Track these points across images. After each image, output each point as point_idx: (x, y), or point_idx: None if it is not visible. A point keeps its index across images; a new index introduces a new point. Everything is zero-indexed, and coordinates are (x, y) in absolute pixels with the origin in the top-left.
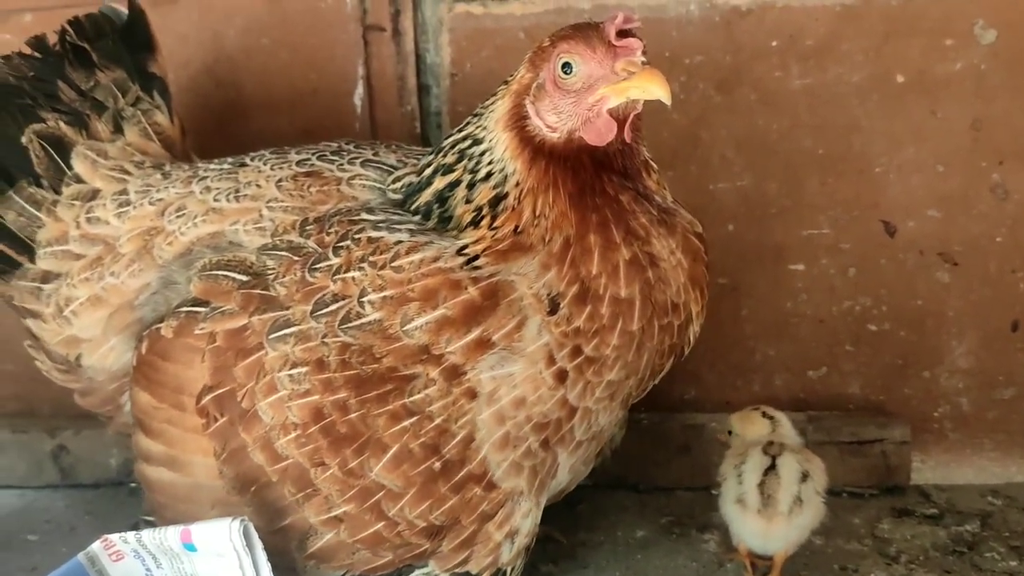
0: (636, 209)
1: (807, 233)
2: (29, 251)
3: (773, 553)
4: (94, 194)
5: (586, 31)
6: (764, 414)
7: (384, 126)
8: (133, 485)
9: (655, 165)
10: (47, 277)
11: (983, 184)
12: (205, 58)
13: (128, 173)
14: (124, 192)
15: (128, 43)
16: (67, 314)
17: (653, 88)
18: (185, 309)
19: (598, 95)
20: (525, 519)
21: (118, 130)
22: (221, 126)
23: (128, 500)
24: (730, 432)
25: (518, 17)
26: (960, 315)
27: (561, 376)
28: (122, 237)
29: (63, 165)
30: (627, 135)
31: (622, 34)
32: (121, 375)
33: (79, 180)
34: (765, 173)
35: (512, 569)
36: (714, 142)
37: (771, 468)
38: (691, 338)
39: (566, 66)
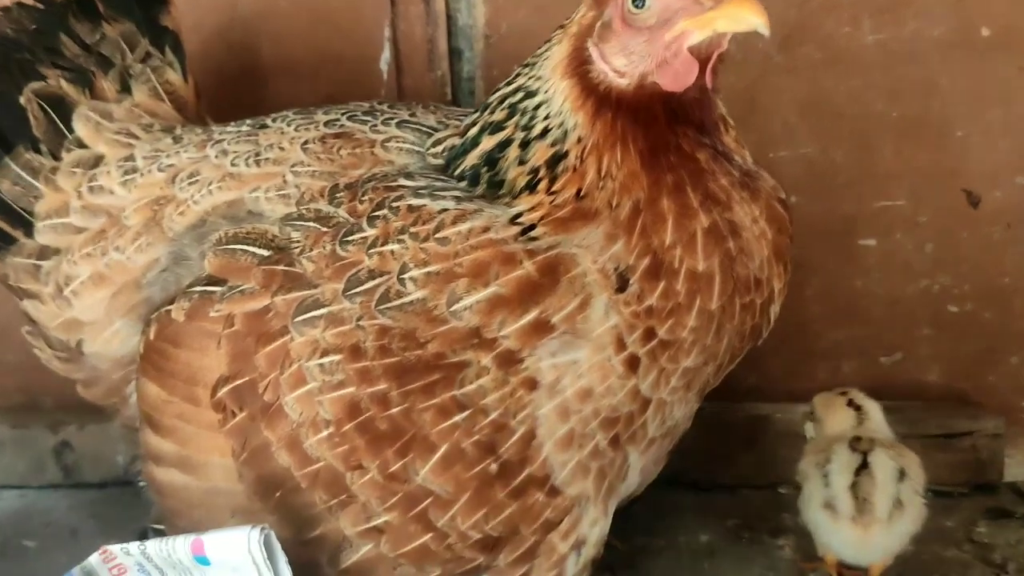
0: (716, 169)
1: (879, 205)
2: (26, 224)
3: (868, 564)
4: (97, 160)
5: None
6: (851, 403)
7: (413, 93)
8: (143, 484)
9: (732, 121)
10: (45, 253)
11: None
12: (218, 21)
13: (135, 137)
14: (131, 158)
15: None
16: (67, 294)
17: (748, 16)
18: (199, 289)
19: (677, 30)
20: (593, 527)
21: (125, 89)
22: (237, 94)
23: (136, 501)
24: (812, 414)
25: None
26: None
27: (633, 363)
28: (128, 208)
29: (63, 128)
30: (709, 79)
31: None
32: (127, 363)
33: (81, 145)
34: (832, 140)
35: None
36: (775, 106)
37: (863, 467)
38: (771, 319)
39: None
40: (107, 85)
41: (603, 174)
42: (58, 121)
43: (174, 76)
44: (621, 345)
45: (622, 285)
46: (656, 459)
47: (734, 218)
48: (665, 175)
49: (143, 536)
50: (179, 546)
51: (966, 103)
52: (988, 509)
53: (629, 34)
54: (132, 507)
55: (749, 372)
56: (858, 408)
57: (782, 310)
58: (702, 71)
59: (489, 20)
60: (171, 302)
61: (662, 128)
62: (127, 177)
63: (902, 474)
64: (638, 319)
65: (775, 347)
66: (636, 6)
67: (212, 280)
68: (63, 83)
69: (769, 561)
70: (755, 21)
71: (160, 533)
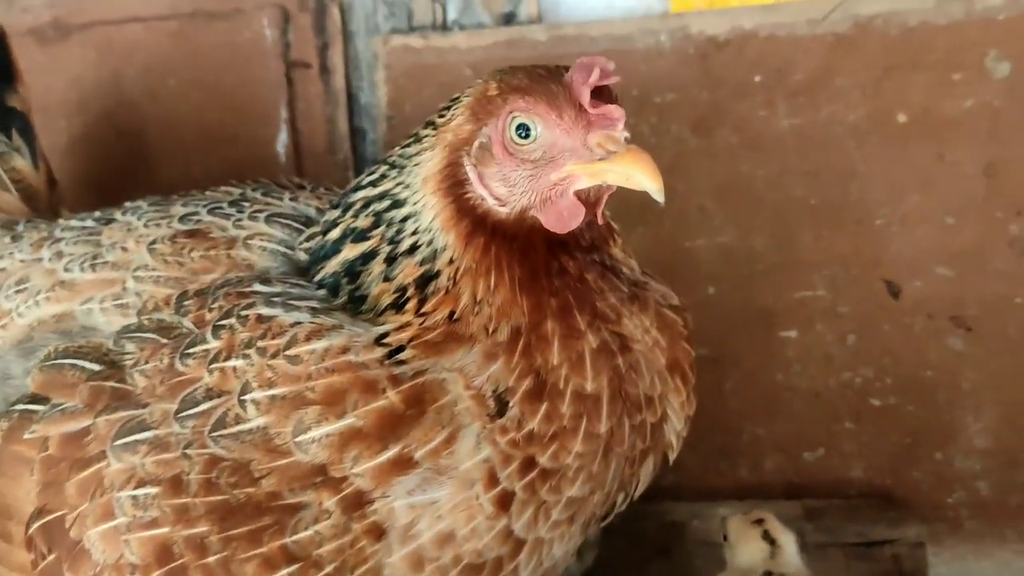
0: (604, 287)
1: (800, 295)
2: None
3: None
4: None
5: (548, 85)
6: (766, 535)
7: (313, 176)
8: None
9: (618, 228)
10: None
11: (1000, 237)
12: (104, 103)
13: None
14: None
15: None
16: None
17: (640, 178)
18: (19, 408)
19: (564, 172)
20: None
21: None
22: (125, 179)
23: None
24: (725, 537)
25: (463, 51)
26: (976, 387)
27: (505, 500)
28: None
29: None
30: (599, 218)
31: (596, 92)
32: None
33: None
34: (750, 227)
35: None
36: (691, 192)
37: None
38: (675, 439)
39: (521, 128)
40: None
41: (478, 299)
42: None
43: (22, 163)
44: (493, 481)
45: (500, 409)
46: None
47: (624, 331)
48: (547, 299)
49: None
50: None
51: (884, 190)
52: None
53: (511, 164)
54: None
55: (666, 471)
56: (772, 542)
57: (700, 405)
58: (590, 211)
59: (392, 99)
60: None
61: (542, 255)
62: None
63: None
64: (516, 448)
65: (692, 444)
66: (520, 136)
67: (35, 398)
68: None
69: None
70: (649, 185)
71: None
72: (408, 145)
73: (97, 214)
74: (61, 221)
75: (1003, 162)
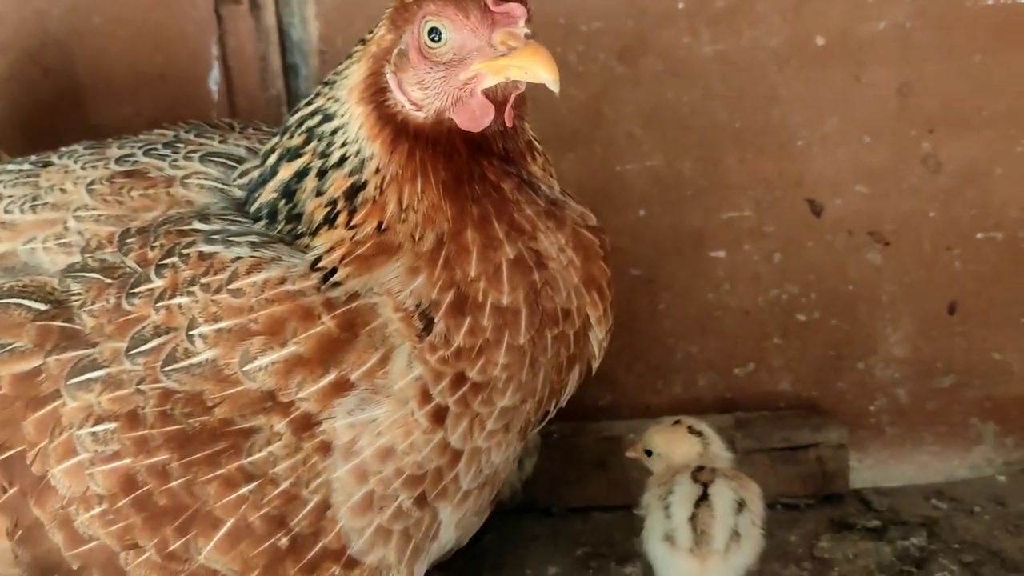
0: (520, 199)
1: (727, 216)
2: None
3: None
4: None
5: None
6: (691, 429)
7: (246, 114)
8: None
9: (540, 147)
10: None
11: (913, 155)
12: (28, 43)
13: None
14: None
15: None
16: None
17: (537, 69)
18: None
19: (472, 71)
20: None
21: None
22: (54, 120)
23: None
24: (649, 452)
25: None
26: (894, 299)
27: (439, 415)
28: None
29: None
30: (508, 119)
31: None
32: None
33: None
34: (678, 151)
35: None
36: (619, 118)
37: (703, 498)
38: (597, 347)
39: (433, 32)
40: None
41: (404, 206)
42: None
43: None
44: (426, 397)
45: (427, 325)
46: (476, 510)
47: (539, 248)
48: (470, 206)
49: None
50: None
51: (805, 112)
52: (831, 521)
53: (425, 67)
54: None
55: (603, 390)
56: (699, 434)
57: (634, 325)
58: (500, 111)
59: (323, 35)
60: None
61: (464, 159)
62: None
63: (741, 505)
64: (446, 364)
65: (628, 363)
66: (432, 39)
67: None
68: None
69: None
70: (545, 75)
71: None
72: (340, 66)
73: (33, 158)
74: None
75: (915, 81)
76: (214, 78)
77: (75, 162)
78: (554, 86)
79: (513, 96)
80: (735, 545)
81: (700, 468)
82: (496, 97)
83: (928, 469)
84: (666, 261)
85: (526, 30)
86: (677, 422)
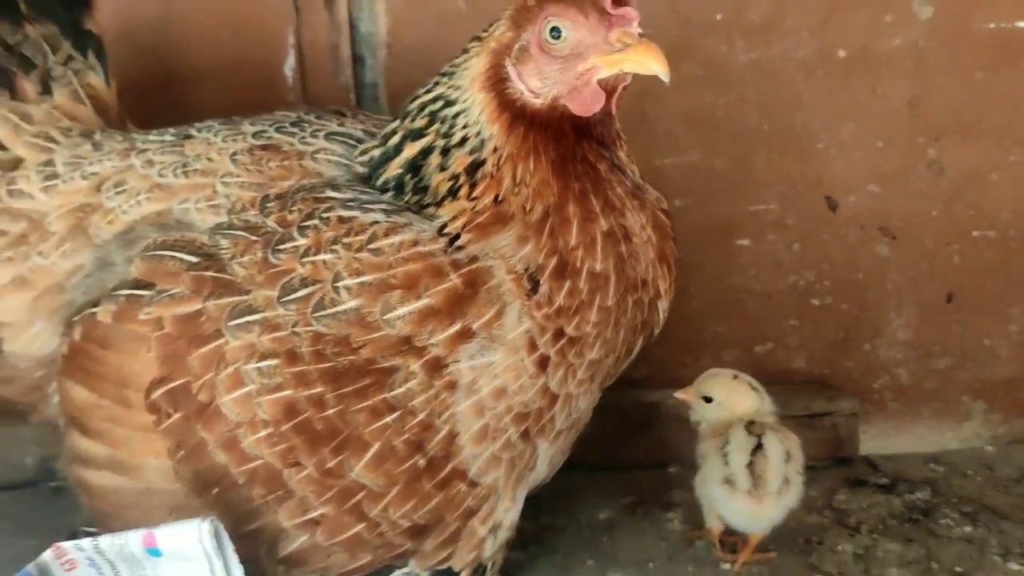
0: (613, 179)
1: (754, 209)
2: None
3: (755, 532)
4: (16, 163)
5: None
6: (751, 386)
7: (317, 98)
8: (53, 485)
9: (624, 136)
10: None
11: (920, 160)
12: (121, 24)
13: (54, 141)
14: (50, 163)
15: None
16: None
17: (651, 63)
18: (125, 292)
19: (589, 64)
20: (507, 513)
21: (46, 91)
22: (142, 97)
23: (51, 502)
24: (708, 399)
25: None
26: (899, 288)
27: (543, 363)
28: (51, 214)
29: None
30: (613, 106)
31: (617, 1)
32: (47, 362)
33: (0, 147)
34: (712, 149)
35: (493, 564)
36: (661, 117)
37: (758, 448)
38: (661, 315)
39: (554, 30)
40: (28, 86)
41: (518, 181)
42: None
43: (96, 80)
44: (533, 347)
45: (533, 286)
46: (563, 450)
47: (626, 224)
48: (572, 183)
49: (72, 537)
50: (131, 540)
51: (826, 118)
52: (846, 479)
53: (545, 60)
54: (45, 508)
55: (640, 363)
56: (756, 390)
57: (669, 305)
58: (608, 99)
59: (391, 30)
60: (94, 305)
61: (570, 142)
62: (48, 183)
63: (788, 456)
64: (549, 321)
65: (663, 339)
66: (553, 36)
67: (139, 284)
68: None
69: (661, 532)
70: (658, 68)
71: (91, 535)
72: (456, 58)
73: (172, 131)
74: (135, 135)
75: (924, 94)
76: (289, 65)
77: (215, 136)
78: (665, 77)
79: (620, 87)
80: (785, 488)
81: (752, 422)
82: (607, 87)
83: (924, 440)
84: (698, 247)
85: (639, 30)
86: (736, 376)
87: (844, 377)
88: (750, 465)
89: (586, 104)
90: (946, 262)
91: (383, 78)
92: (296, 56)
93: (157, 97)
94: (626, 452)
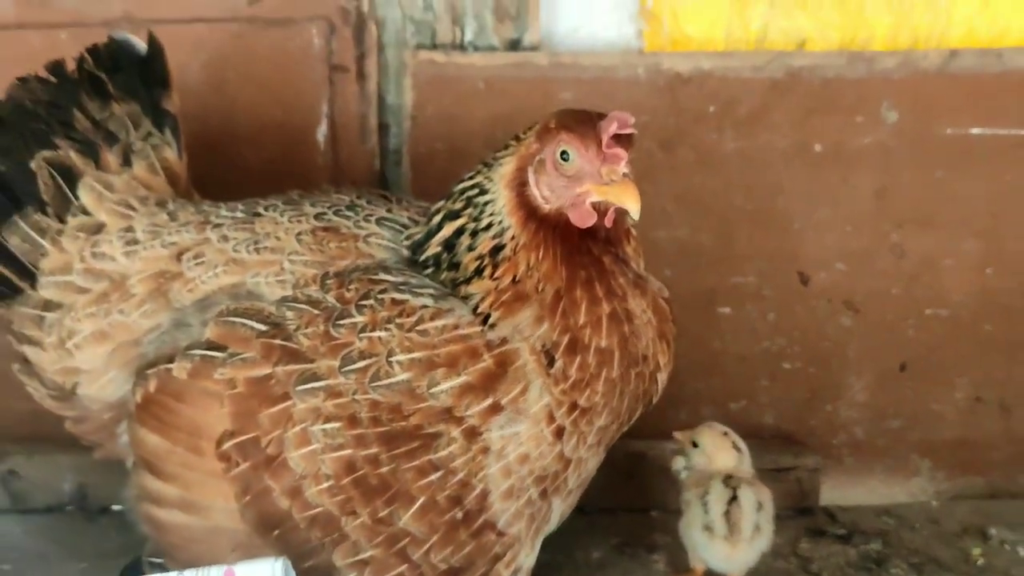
0: (615, 270)
1: (735, 280)
2: (31, 277)
3: (731, 573)
4: (99, 228)
5: (585, 127)
6: (735, 445)
7: (345, 161)
8: (88, 510)
9: (635, 233)
10: (49, 306)
11: (884, 244)
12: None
13: (133, 209)
14: (130, 229)
15: (144, 77)
16: (69, 346)
17: (626, 200)
18: (200, 352)
19: (584, 188)
20: (527, 558)
21: (127, 163)
22: (190, 158)
23: (87, 527)
24: (695, 444)
25: (479, 68)
26: (859, 356)
27: (559, 432)
28: (132, 277)
29: (70, 195)
30: (608, 221)
31: (616, 138)
32: (117, 405)
33: (85, 212)
34: (700, 225)
35: None
36: (656, 195)
37: (733, 499)
38: (660, 386)
39: (564, 153)
40: (111, 158)
41: (530, 266)
42: (65, 188)
43: (171, 154)
44: (551, 419)
45: (550, 361)
46: (572, 504)
47: (628, 307)
48: (579, 271)
49: (136, 565)
50: (212, 573)
51: (803, 202)
52: (808, 528)
53: (555, 176)
54: (86, 533)
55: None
56: (739, 450)
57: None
58: (601, 217)
59: (416, 102)
60: (166, 360)
61: (575, 239)
62: (129, 248)
63: (760, 506)
64: (565, 395)
65: None
66: (563, 158)
67: (212, 345)
68: (72, 153)
69: (647, 572)
70: (631, 206)
71: (157, 567)
72: (498, 152)
73: (241, 207)
74: (207, 207)
75: (890, 187)
76: (322, 131)
77: (281, 216)
78: (635, 214)
79: (612, 209)
80: (757, 535)
81: (729, 476)
82: (599, 208)
83: (876, 493)
84: (683, 313)
85: (625, 170)
86: (726, 433)
87: (808, 434)
88: (726, 514)
89: (582, 218)
90: (902, 335)
91: (406, 145)
92: (328, 123)
93: (202, 159)
94: (613, 496)
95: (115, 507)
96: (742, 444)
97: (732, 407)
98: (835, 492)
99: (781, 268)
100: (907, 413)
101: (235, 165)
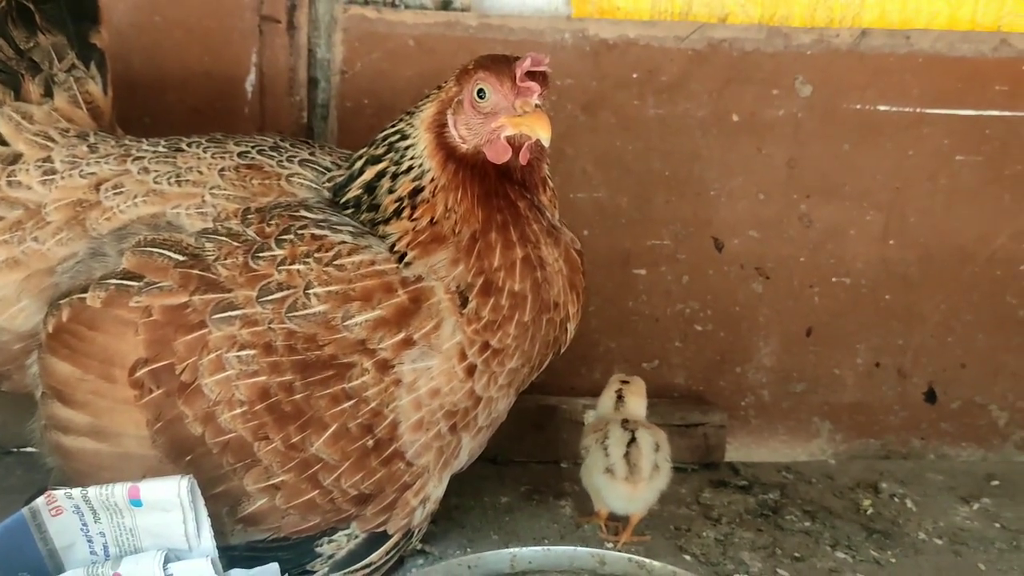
0: (530, 216)
1: (651, 243)
2: None
3: (631, 514)
4: (16, 158)
5: (501, 65)
6: (618, 392)
7: (272, 112)
8: (14, 450)
9: (551, 183)
10: None
11: (793, 213)
12: None
13: (52, 140)
14: (48, 160)
15: (72, 10)
16: None
17: (537, 129)
18: (115, 281)
19: (499, 122)
20: (435, 489)
21: (48, 94)
22: (114, 99)
23: (12, 465)
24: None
25: (409, 25)
26: (768, 321)
27: (471, 370)
28: (48, 205)
29: None
30: (523, 158)
31: (530, 75)
32: (27, 336)
33: (2, 142)
34: (619, 188)
35: (419, 530)
36: (577, 157)
37: (632, 441)
38: (569, 335)
39: (480, 91)
40: (32, 88)
41: (448, 208)
42: None
43: (95, 88)
44: (463, 356)
45: (463, 302)
46: (482, 443)
47: (541, 254)
48: (495, 215)
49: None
50: (117, 491)
51: (718, 170)
52: (711, 480)
53: (472, 114)
54: (8, 472)
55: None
56: (620, 397)
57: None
58: (516, 152)
59: (346, 58)
60: (80, 290)
61: (492, 181)
62: (46, 177)
63: (657, 446)
64: (477, 335)
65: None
66: (479, 96)
67: (128, 275)
68: None
69: (554, 516)
70: (542, 134)
71: None
72: (420, 102)
73: (164, 142)
74: (128, 141)
75: (800, 158)
76: (250, 81)
77: (204, 152)
78: (546, 142)
79: (526, 144)
80: (656, 474)
81: (625, 420)
82: (513, 143)
83: (779, 452)
84: (598, 272)
85: (537, 101)
86: (626, 382)
87: (717, 394)
88: (626, 455)
89: (497, 154)
90: (808, 301)
91: (334, 100)
92: (256, 74)
93: (123, 101)
94: (523, 448)
95: (21, 448)
96: (633, 395)
97: (645, 366)
98: (740, 451)
99: (696, 233)
100: (810, 377)
101: (160, 109)
